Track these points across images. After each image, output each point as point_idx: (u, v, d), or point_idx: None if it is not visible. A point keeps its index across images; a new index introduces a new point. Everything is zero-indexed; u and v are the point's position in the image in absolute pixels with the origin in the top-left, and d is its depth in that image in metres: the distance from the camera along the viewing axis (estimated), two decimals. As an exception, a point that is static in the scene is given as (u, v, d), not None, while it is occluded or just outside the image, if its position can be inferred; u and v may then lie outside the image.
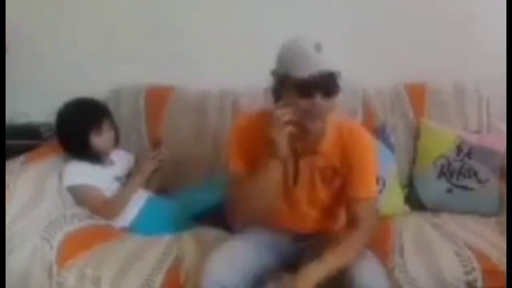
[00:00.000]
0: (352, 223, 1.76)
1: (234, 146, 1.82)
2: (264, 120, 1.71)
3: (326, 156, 1.77)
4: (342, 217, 1.88)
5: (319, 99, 1.57)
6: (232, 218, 1.85)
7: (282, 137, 1.62)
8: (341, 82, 1.61)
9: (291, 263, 1.83)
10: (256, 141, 1.75)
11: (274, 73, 1.66)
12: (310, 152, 1.77)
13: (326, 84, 1.57)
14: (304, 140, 1.74)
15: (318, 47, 1.56)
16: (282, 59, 1.62)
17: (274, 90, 1.68)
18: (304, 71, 1.55)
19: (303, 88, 1.57)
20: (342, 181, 1.79)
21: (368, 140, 1.81)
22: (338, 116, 1.84)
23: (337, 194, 1.82)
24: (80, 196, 2.21)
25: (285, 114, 1.61)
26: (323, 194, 1.82)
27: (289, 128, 1.61)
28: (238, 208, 1.78)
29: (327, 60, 1.56)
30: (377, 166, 1.83)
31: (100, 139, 2.22)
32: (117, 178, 2.30)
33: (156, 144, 2.36)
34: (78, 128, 2.19)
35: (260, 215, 1.79)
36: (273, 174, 1.69)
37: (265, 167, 1.68)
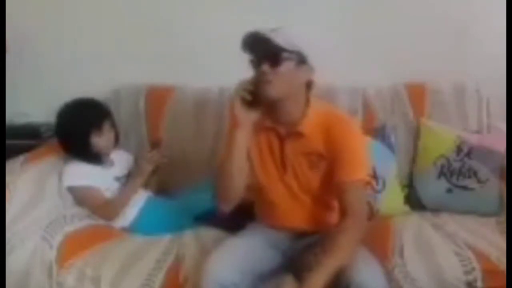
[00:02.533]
0: (343, 210, 1.76)
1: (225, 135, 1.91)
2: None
3: (309, 140, 1.81)
4: (336, 210, 1.87)
5: (265, 68, 1.68)
6: (217, 199, 1.88)
7: (237, 102, 1.75)
8: (289, 54, 1.71)
9: (291, 262, 1.85)
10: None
11: None
12: (293, 135, 1.81)
13: (269, 54, 1.69)
14: (285, 123, 1.81)
15: (272, 30, 1.70)
16: None
17: None
18: (246, 50, 1.73)
19: (253, 63, 1.73)
20: (329, 166, 1.81)
21: (352, 125, 1.86)
22: (323, 103, 1.89)
23: (327, 180, 1.83)
24: (80, 196, 2.21)
25: (240, 83, 1.76)
26: (312, 180, 1.84)
27: (240, 93, 1.74)
28: (217, 185, 1.84)
29: (276, 38, 1.67)
30: (364, 151, 1.85)
31: (100, 140, 2.21)
32: (117, 179, 2.30)
33: (154, 144, 2.36)
34: (79, 129, 2.18)
35: (235, 187, 1.81)
36: (236, 139, 1.77)
37: (230, 138, 1.79)
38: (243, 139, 1.78)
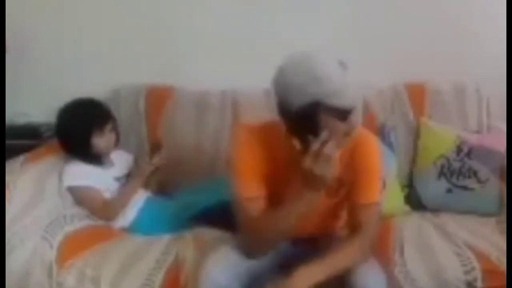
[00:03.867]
0: (354, 228, 1.72)
1: (241, 168, 1.69)
2: (270, 134, 1.66)
3: None
4: (343, 218, 1.86)
5: (354, 121, 1.53)
6: (245, 248, 1.70)
7: (330, 174, 1.52)
8: None
9: (290, 267, 1.76)
10: (265, 158, 1.65)
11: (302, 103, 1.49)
12: None
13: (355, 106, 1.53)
14: None
15: (343, 67, 1.49)
16: (306, 87, 1.46)
17: (304, 120, 1.51)
18: (345, 100, 1.47)
19: (344, 114, 1.49)
20: (347, 189, 1.75)
21: (374, 145, 1.76)
22: None
23: (341, 200, 1.80)
24: (80, 197, 2.20)
25: (333, 150, 1.50)
26: (326, 205, 1.78)
27: (338, 167, 1.52)
28: (257, 239, 1.67)
29: (353, 85, 1.50)
30: (382, 170, 1.77)
31: (101, 140, 2.20)
32: (117, 179, 2.28)
33: (155, 146, 2.35)
34: (81, 129, 2.17)
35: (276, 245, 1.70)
36: (307, 205, 1.59)
37: (298, 199, 1.58)
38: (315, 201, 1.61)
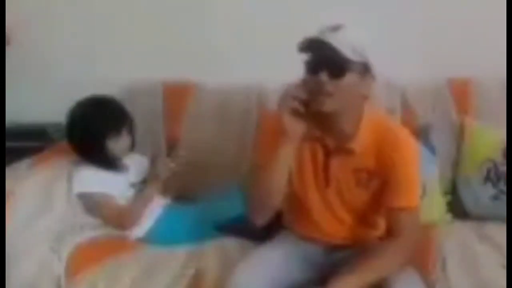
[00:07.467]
0: (392, 234, 1.70)
1: (261, 143, 1.83)
2: None
3: (360, 155, 1.71)
4: (380, 227, 1.80)
5: (324, 78, 1.56)
6: (250, 213, 1.79)
7: (287, 114, 1.61)
8: (353, 68, 1.58)
9: (324, 277, 1.72)
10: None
11: None
12: (343, 151, 1.71)
13: (331, 63, 1.56)
14: (335, 137, 1.71)
15: (334, 28, 1.57)
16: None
17: None
18: (310, 50, 1.59)
19: (308, 66, 1.60)
20: (380, 185, 1.72)
21: (412, 144, 1.74)
22: (376, 113, 1.79)
23: (375, 199, 1.75)
24: (92, 204, 2.14)
25: (291, 89, 1.62)
26: (358, 198, 1.76)
27: (294, 104, 1.60)
28: (252, 196, 1.77)
29: (338, 41, 1.54)
30: (419, 173, 1.75)
31: (117, 144, 2.15)
32: (133, 185, 2.23)
33: (173, 145, 2.33)
34: (95, 130, 2.11)
35: (273, 201, 1.73)
36: (283, 155, 1.66)
37: (276, 150, 1.67)
38: (290, 154, 1.67)
